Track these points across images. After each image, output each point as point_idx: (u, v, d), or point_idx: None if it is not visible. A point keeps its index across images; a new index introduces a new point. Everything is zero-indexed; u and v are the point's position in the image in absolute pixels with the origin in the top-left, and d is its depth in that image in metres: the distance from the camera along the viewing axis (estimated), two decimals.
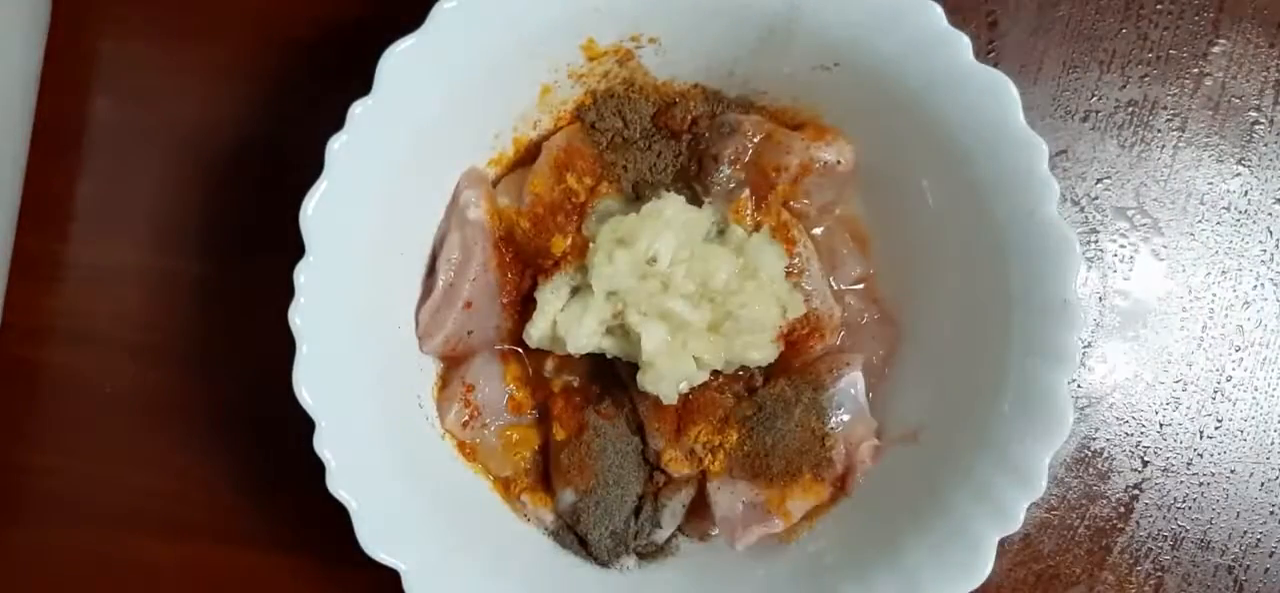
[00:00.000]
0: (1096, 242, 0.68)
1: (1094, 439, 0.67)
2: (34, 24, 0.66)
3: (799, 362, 0.61)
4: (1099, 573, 0.67)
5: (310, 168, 0.52)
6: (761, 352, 0.58)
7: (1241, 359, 0.68)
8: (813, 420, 0.59)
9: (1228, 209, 0.68)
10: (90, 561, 0.65)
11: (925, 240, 0.60)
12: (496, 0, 0.54)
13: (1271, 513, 0.67)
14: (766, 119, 0.62)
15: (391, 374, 0.58)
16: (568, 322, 0.57)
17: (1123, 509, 0.67)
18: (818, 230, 0.62)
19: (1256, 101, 0.68)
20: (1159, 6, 0.69)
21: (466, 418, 0.60)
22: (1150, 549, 0.67)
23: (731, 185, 0.61)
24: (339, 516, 0.52)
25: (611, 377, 0.62)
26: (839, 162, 0.60)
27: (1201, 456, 0.67)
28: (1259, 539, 0.67)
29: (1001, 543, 0.54)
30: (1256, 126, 0.68)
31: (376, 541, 0.53)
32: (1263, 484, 0.67)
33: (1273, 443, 0.68)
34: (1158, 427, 0.67)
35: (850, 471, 0.60)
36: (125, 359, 0.66)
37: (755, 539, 0.59)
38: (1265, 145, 0.68)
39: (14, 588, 0.66)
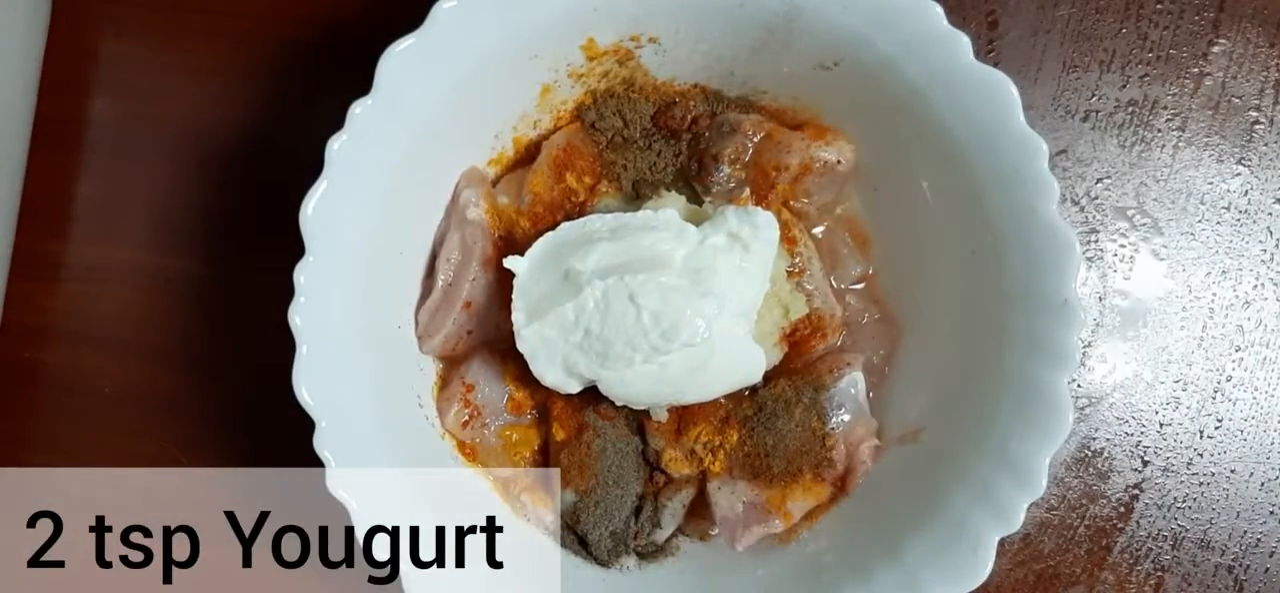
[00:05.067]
0: (1096, 241, 0.68)
1: (1094, 439, 0.67)
2: (33, 24, 0.66)
3: (800, 362, 0.61)
4: (1099, 573, 0.67)
5: (310, 168, 0.52)
6: (765, 354, 0.58)
7: (1241, 359, 0.68)
8: (813, 420, 0.59)
9: (1228, 209, 0.68)
10: (90, 561, 0.65)
11: (925, 240, 0.60)
12: (496, 0, 0.54)
13: (1271, 513, 0.67)
14: (766, 119, 0.62)
15: (391, 374, 0.58)
16: None
17: (1123, 509, 0.67)
18: (818, 230, 0.62)
19: (1256, 101, 0.68)
20: (1159, 6, 0.69)
21: (466, 418, 0.60)
22: (1150, 549, 0.67)
23: (731, 185, 0.61)
24: (338, 515, 0.52)
25: None
26: (839, 161, 0.60)
27: (1201, 455, 0.67)
28: (1259, 539, 0.67)
29: (1001, 543, 0.54)
30: (1256, 126, 0.68)
31: (375, 540, 0.53)
32: (1263, 484, 0.67)
33: (1273, 443, 0.68)
34: (1158, 427, 0.67)
35: (850, 471, 0.60)
36: (125, 359, 0.66)
37: (755, 539, 0.59)
38: (1265, 145, 0.68)
39: (14, 587, 0.66)
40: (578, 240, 0.55)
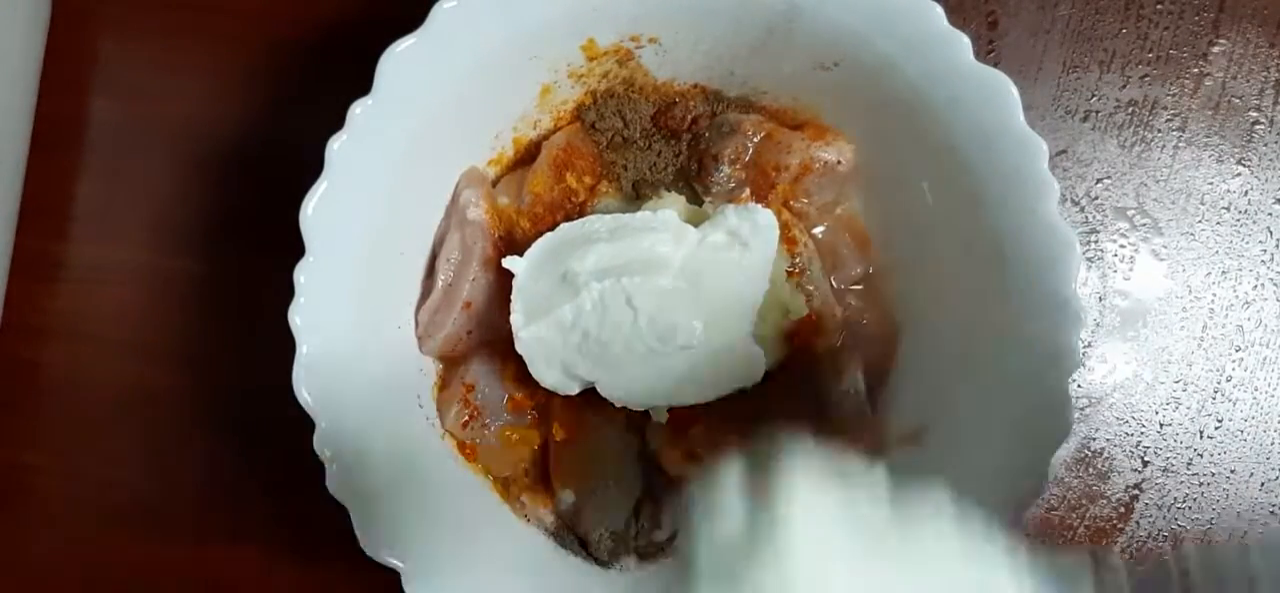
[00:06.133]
0: (1096, 241, 0.68)
1: (1094, 439, 0.67)
2: (33, 23, 0.66)
3: (801, 362, 0.61)
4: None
5: (310, 168, 0.52)
6: (765, 354, 0.58)
7: (1242, 359, 0.67)
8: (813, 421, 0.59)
9: (1228, 209, 0.68)
10: (89, 560, 0.65)
11: (925, 240, 0.60)
12: (496, 0, 0.54)
13: (1272, 513, 0.67)
14: (766, 119, 0.62)
15: (391, 374, 0.58)
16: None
17: (1123, 509, 0.67)
18: (818, 230, 0.62)
19: (1257, 102, 0.68)
20: (1159, 6, 0.69)
21: (466, 418, 0.60)
22: (1151, 550, 0.67)
23: (731, 185, 0.61)
24: (339, 516, 0.52)
25: None
26: (839, 161, 0.60)
27: (1201, 456, 0.67)
28: (1260, 540, 0.67)
29: None
30: (1257, 127, 0.68)
31: (376, 541, 0.53)
32: (1263, 484, 0.67)
33: (1273, 443, 0.68)
34: (1158, 427, 0.67)
35: None
36: (125, 359, 0.66)
37: None
38: (1265, 145, 0.68)
39: (12, 588, 0.66)
40: (576, 240, 0.55)
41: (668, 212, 0.56)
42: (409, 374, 0.60)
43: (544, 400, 0.61)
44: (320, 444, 0.52)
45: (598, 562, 0.60)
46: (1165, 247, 0.68)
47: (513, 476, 0.61)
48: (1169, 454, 0.67)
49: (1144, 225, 0.68)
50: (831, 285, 0.62)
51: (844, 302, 0.62)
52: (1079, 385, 0.67)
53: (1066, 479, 0.67)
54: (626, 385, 0.56)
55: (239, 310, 0.65)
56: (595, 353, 0.55)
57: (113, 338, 0.67)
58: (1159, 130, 0.68)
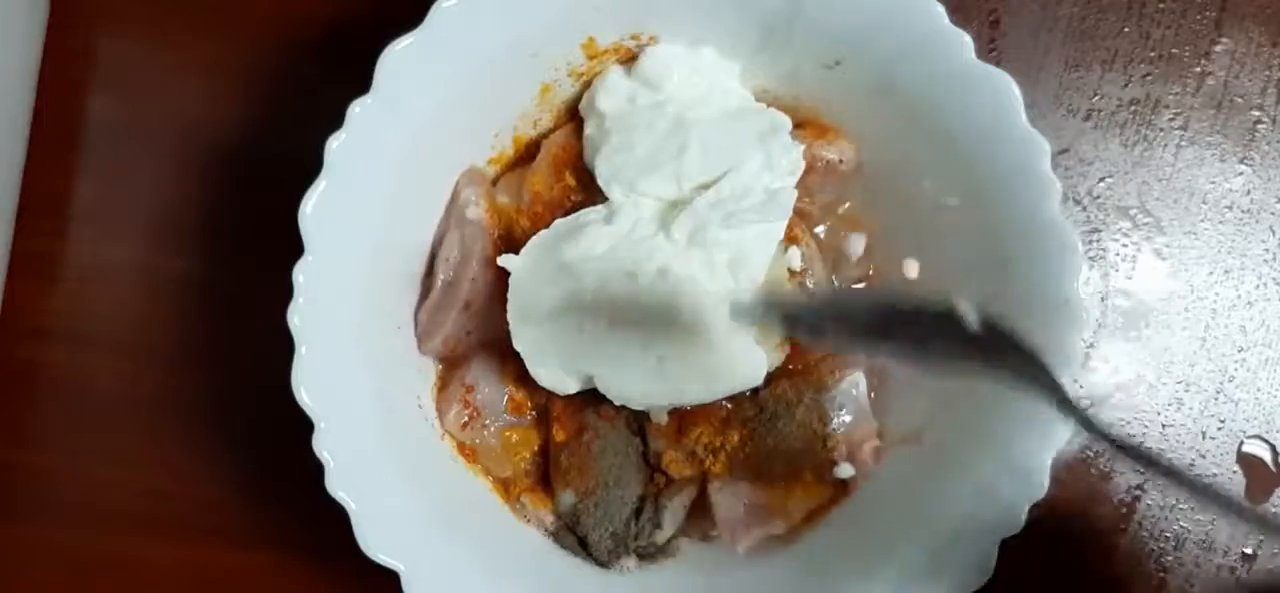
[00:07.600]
0: (1099, 241, 0.67)
1: (1096, 440, 0.67)
2: (32, 21, 0.66)
3: (801, 362, 0.60)
4: (1101, 574, 0.67)
5: (310, 167, 0.52)
6: (766, 355, 0.58)
7: (1244, 359, 0.67)
8: (815, 421, 0.59)
9: (1230, 208, 0.68)
10: (88, 561, 0.65)
11: (927, 240, 0.60)
12: (496, 0, 0.54)
13: (1274, 514, 0.67)
14: None
15: (391, 374, 0.58)
16: None
17: (1125, 510, 0.67)
18: (820, 229, 0.62)
19: (1259, 101, 0.68)
20: (1161, 5, 0.68)
21: (466, 419, 0.60)
22: (1152, 551, 0.67)
23: None
24: (338, 516, 0.52)
25: None
26: (841, 160, 0.60)
27: (1204, 456, 0.67)
28: (1261, 541, 0.67)
29: (1002, 544, 0.54)
30: (1259, 126, 0.68)
31: (375, 541, 0.53)
32: None
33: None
34: (1160, 427, 0.67)
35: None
36: (124, 359, 0.66)
37: (757, 540, 0.59)
38: (1268, 144, 0.68)
39: (12, 588, 0.66)
40: (571, 230, 0.55)
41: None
42: (408, 374, 0.59)
43: (544, 401, 0.60)
44: (320, 444, 0.52)
45: (598, 562, 0.60)
46: (1168, 246, 0.68)
47: (513, 476, 0.61)
48: (1171, 455, 0.67)
49: (1146, 225, 0.68)
50: (834, 285, 0.62)
51: None
52: (1081, 385, 0.67)
53: (1068, 480, 0.67)
54: (626, 379, 0.55)
55: (238, 310, 0.65)
56: (594, 343, 0.55)
57: (111, 338, 0.66)
58: (1161, 129, 0.68)
